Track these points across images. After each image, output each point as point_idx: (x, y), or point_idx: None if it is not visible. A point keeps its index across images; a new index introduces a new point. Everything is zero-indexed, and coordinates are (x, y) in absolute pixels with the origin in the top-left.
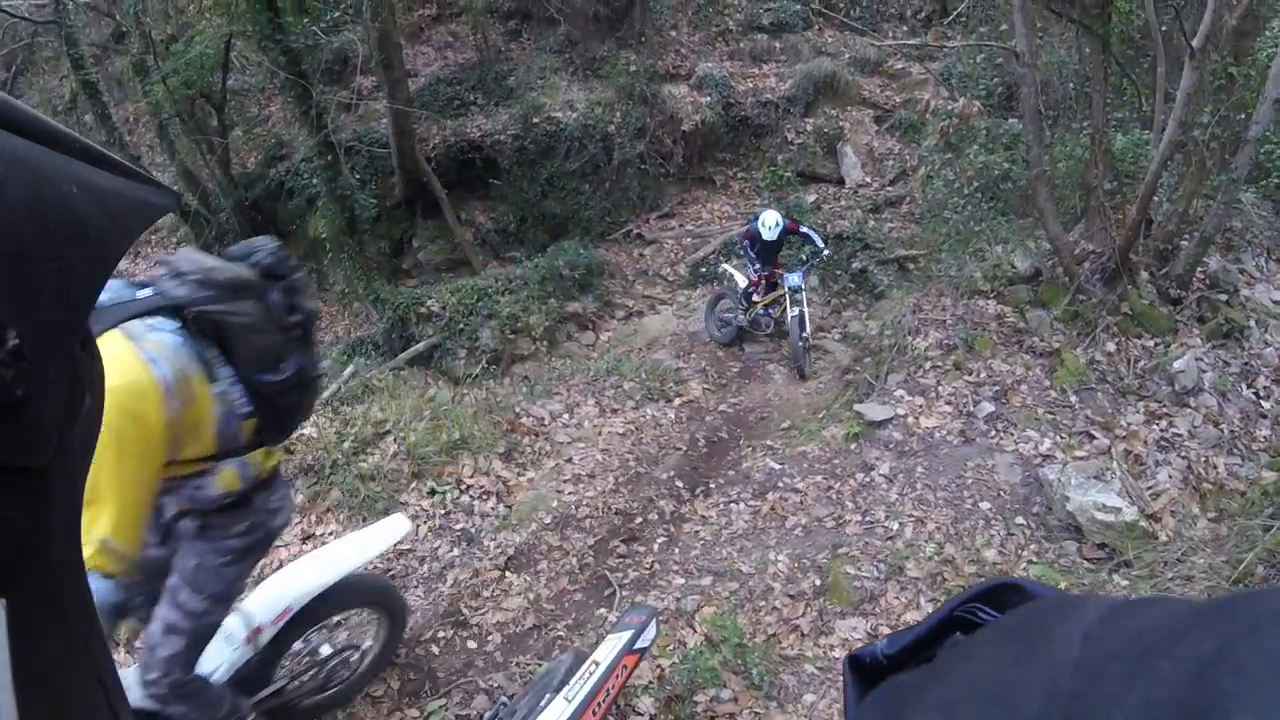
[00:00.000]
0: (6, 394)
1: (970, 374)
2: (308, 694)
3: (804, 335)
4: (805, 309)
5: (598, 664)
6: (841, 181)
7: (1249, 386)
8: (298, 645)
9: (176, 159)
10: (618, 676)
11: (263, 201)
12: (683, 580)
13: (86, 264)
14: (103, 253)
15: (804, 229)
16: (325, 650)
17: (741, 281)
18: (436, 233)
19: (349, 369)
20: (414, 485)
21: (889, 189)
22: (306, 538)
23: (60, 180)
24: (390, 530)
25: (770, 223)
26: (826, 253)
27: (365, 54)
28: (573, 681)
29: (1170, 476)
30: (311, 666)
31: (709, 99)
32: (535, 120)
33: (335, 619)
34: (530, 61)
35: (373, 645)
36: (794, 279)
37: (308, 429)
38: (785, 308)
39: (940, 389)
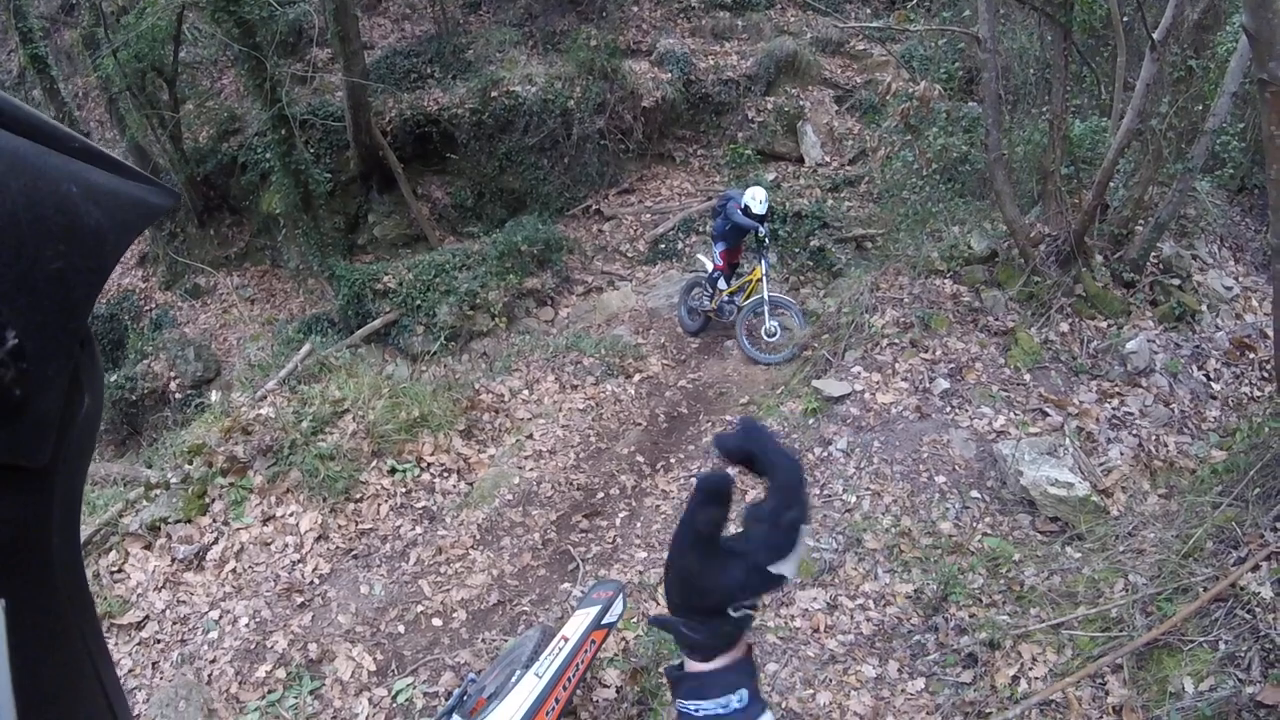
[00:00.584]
0: (6, 394)
1: (927, 351)
2: None
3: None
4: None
5: (566, 639)
6: (801, 160)
7: (1199, 369)
8: None
9: (127, 134)
10: (586, 651)
11: (215, 177)
12: (645, 554)
13: (86, 264)
14: (102, 252)
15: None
16: None
17: (709, 266)
18: (393, 208)
19: (305, 347)
20: (374, 464)
21: (848, 168)
22: (267, 519)
23: (60, 180)
24: None
25: (760, 198)
26: (763, 232)
27: (321, 26)
28: (542, 657)
29: (1122, 454)
30: None
31: (670, 75)
32: (494, 94)
33: None
34: (489, 35)
35: None
36: (770, 260)
37: (265, 409)
38: (752, 293)
39: (897, 366)
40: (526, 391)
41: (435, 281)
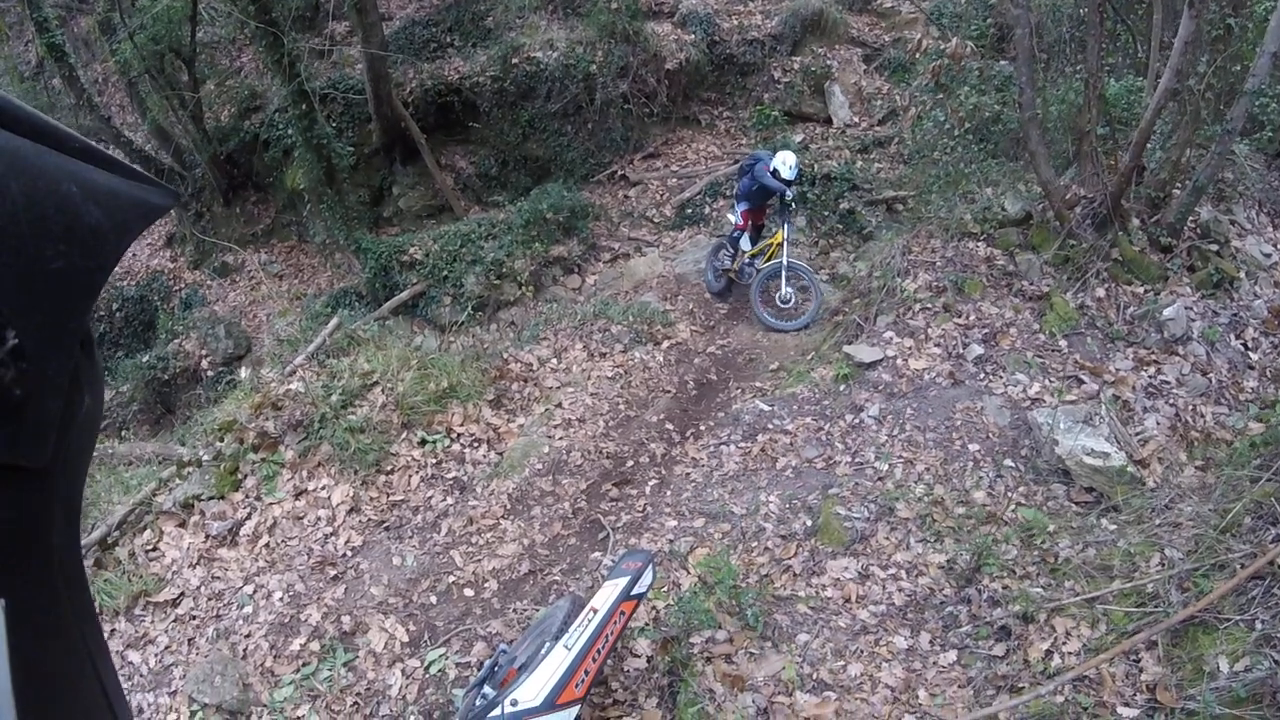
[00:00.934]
0: (6, 394)
1: (960, 316)
2: None
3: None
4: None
5: (596, 611)
6: (829, 121)
7: (1237, 337)
8: None
9: (148, 117)
10: (616, 622)
11: (238, 155)
12: (675, 522)
13: (86, 264)
14: (102, 252)
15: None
16: None
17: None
18: (416, 179)
19: (333, 321)
20: (404, 435)
21: (877, 129)
22: (299, 493)
23: (60, 180)
24: None
25: (790, 162)
26: (790, 196)
27: None
28: (572, 628)
29: (1158, 423)
30: None
31: (693, 37)
32: (515, 61)
33: None
34: (508, 1)
35: None
36: (794, 225)
37: (295, 384)
38: (772, 256)
39: (930, 331)
40: (555, 360)
41: (461, 252)
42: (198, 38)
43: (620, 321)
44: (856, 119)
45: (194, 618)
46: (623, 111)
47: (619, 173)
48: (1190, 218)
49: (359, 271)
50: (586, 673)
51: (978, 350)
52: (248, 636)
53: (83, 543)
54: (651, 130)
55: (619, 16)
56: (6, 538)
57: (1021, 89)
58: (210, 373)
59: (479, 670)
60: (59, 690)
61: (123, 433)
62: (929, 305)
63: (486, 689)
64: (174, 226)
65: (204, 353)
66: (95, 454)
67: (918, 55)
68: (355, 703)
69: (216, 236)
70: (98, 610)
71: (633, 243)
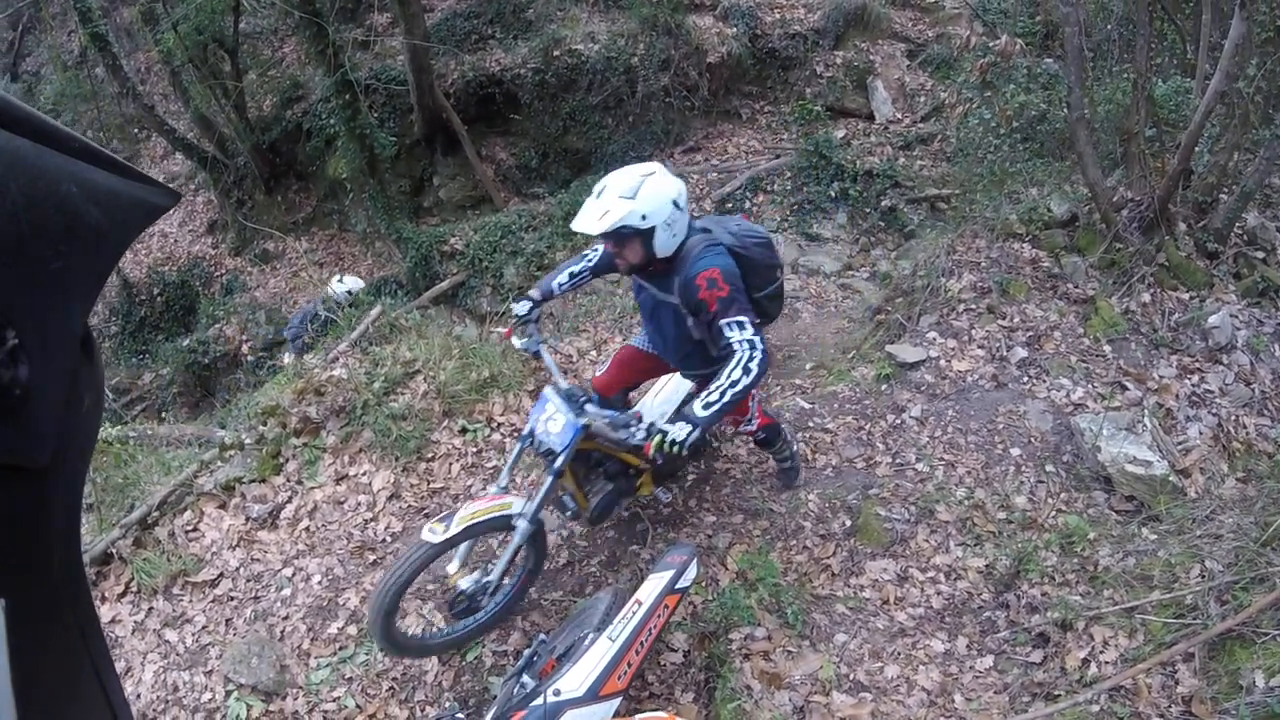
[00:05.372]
0: (6, 394)
1: (1004, 318)
2: None
3: None
4: None
5: (640, 603)
6: (871, 117)
7: None
8: None
9: (191, 106)
10: (659, 616)
11: (280, 144)
12: (714, 518)
13: (86, 263)
14: (102, 252)
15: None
16: None
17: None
18: (457, 170)
19: (375, 309)
20: (445, 424)
21: (920, 126)
22: (340, 478)
23: (60, 179)
24: None
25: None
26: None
27: None
28: (616, 621)
29: (1201, 433)
30: None
31: (735, 30)
32: (556, 53)
33: None
34: None
35: None
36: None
37: (337, 370)
38: None
39: (973, 332)
40: (594, 352)
41: (501, 243)
42: (240, 28)
43: None
44: (899, 115)
45: (232, 599)
46: (664, 105)
47: None
48: (1237, 224)
49: (399, 260)
50: (629, 665)
51: (1021, 353)
52: (285, 619)
53: (123, 522)
54: (692, 124)
55: (661, 9)
56: (6, 538)
57: (1070, 88)
58: (250, 358)
59: (517, 659)
60: (59, 690)
61: (163, 414)
62: (973, 306)
63: (525, 678)
64: (215, 214)
65: (244, 338)
66: (136, 435)
67: (965, 51)
68: (391, 688)
69: (258, 224)
70: (136, 589)
71: None
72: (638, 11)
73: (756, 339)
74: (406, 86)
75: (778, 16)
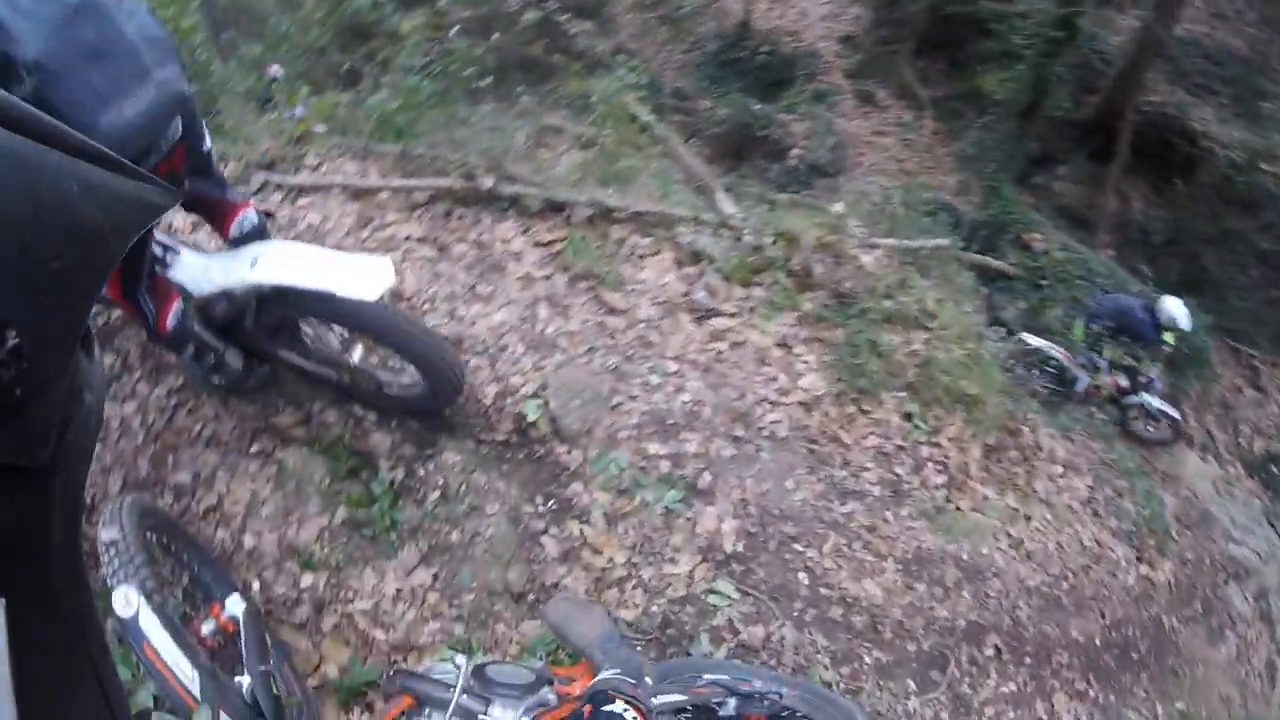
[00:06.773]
0: (6, 394)
1: None
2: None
3: None
4: None
5: None
6: None
7: None
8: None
9: None
10: None
11: (959, 19)
12: None
13: (86, 263)
14: (103, 252)
15: None
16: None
17: None
18: (1087, 179)
19: (941, 240)
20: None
21: None
22: (780, 343)
23: (60, 179)
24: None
25: None
26: None
27: None
28: None
29: None
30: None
31: None
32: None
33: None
34: None
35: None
36: None
37: (867, 257)
38: None
39: None
40: None
41: (1077, 281)
42: None
43: None
44: None
45: None
46: None
47: None
48: None
49: (973, 204)
50: None
51: None
52: None
53: None
54: None
55: None
56: (6, 538)
57: None
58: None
59: None
60: (59, 690)
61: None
62: None
63: None
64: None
65: (806, 143)
66: None
67: None
68: None
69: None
70: None
71: None
72: None
73: None
74: (1108, 67)
75: None
